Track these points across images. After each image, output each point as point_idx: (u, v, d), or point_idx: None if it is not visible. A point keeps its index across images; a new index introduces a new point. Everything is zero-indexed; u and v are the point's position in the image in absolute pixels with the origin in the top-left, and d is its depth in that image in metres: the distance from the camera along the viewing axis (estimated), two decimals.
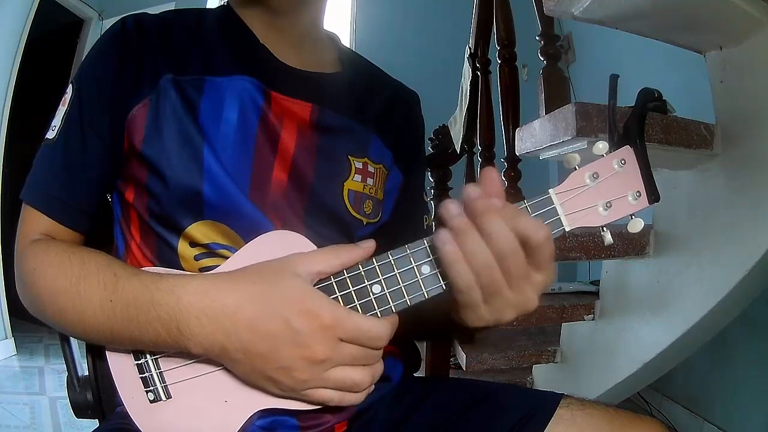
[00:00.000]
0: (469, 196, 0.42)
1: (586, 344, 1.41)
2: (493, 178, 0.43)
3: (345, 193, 0.61)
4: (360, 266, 0.47)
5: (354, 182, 0.62)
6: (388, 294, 0.46)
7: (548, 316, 1.35)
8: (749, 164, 1.00)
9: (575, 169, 0.45)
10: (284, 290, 0.45)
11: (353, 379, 0.46)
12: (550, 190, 0.45)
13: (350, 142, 0.63)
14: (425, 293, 0.46)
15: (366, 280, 0.46)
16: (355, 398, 0.47)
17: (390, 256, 0.46)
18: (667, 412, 1.95)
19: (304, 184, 0.58)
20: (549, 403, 0.57)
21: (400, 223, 0.69)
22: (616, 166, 0.45)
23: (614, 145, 0.46)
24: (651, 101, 0.47)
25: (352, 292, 0.46)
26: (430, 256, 0.46)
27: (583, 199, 0.45)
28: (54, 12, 3.01)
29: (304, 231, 0.57)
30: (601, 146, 0.45)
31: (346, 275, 0.47)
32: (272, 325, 0.44)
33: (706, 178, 1.09)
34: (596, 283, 1.45)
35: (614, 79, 0.48)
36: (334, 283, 0.47)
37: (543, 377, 1.55)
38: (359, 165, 0.62)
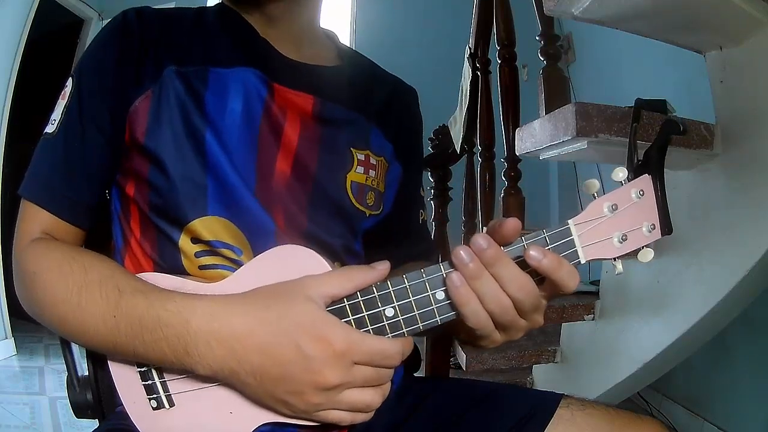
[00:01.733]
0: (480, 247, 0.42)
1: (586, 344, 1.41)
2: (515, 227, 0.43)
3: (348, 184, 0.61)
4: (374, 290, 0.46)
5: (356, 174, 0.62)
6: (401, 319, 0.45)
7: (548, 316, 1.35)
8: (749, 164, 1.00)
9: (594, 196, 0.45)
10: (296, 315, 0.44)
11: (365, 401, 0.45)
12: (569, 221, 0.44)
13: (352, 134, 0.63)
14: (438, 320, 0.45)
15: (380, 305, 0.45)
16: (365, 417, 0.47)
17: (405, 281, 0.45)
18: (667, 412, 1.95)
19: (308, 175, 0.58)
20: (549, 403, 0.57)
21: (399, 217, 0.70)
22: (634, 196, 0.44)
23: (633, 172, 0.45)
24: (674, 133, 0.46)
25: (366, 315, 0.46)
26: (445, 284, 0.45)
27: (601, 230, 0.44)
28: (54, 12, 3.01)
29: (308, 223, 0.57)
30: (621, 174, 0.45)
31: (360, 298, 0.46)
32: (284, 351, 0.43)
33: (706, 178, 1.09)
34: (596, 283, 1.45)
35: (638, 103, 0.48)
36: (347, 306, 0.46)
37: (543, 377, 1.55)
38: (361, 157, 0.63)
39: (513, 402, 0.59)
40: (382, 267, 0.47)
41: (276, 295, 0.45)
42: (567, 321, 1.41)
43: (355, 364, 0.44)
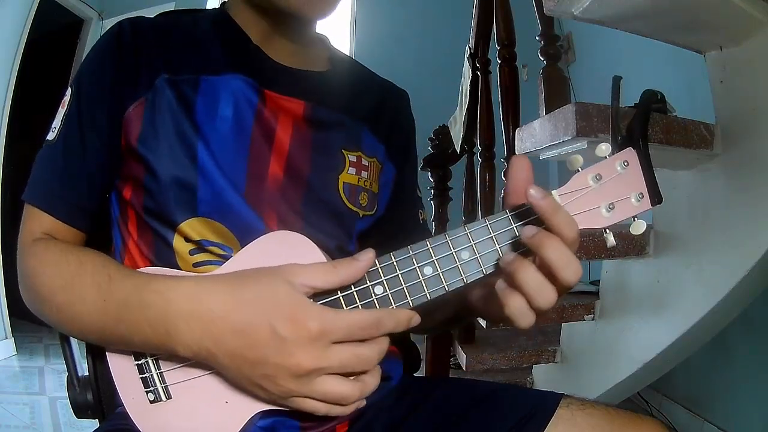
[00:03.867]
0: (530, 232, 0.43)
1: (586, 344, 1.41)
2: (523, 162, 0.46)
3: (340, 186, 0.62)
4: None
5: (349, 175, 0.63)
6: (390, 295, 0.46)
7: (548, 316, 1.35)
8: (749, 164, 1.00)
9: (578, 170, 0.45)
10: (273, 296, 0.44)
11: (341, 393, 0.45)
12: (553, 192, 0.45)
13: (343, 137, 0.64)
14: (428, 294, 0.46)
15: (368, 281, 0.46)
16: (341, 411, 0.46)
17: (393, 258, 0.46)
18: (667, 412, 1.95)
19: (301, 178, 0.59)
20: (549, 403, 0.57)
21: (396, 217, 0.71)
22: (618, 168, 0.45)
23: (617, 147, 0.45)
24: (654, 103, 0.46)
25: (354, 293, 0.46)
26: (432, 257, 0.45)
27: (587, 200, 0.45)
28: (54, 12, 3.01)
29: (302, 225, 0.58)
30: (604, 148, 0.45)
31: None
32: (258, 332, 0.43)
33: (706, 178, 1.09)
34: (596, 283, 1.46)
35: (617, 80, 0.48)
36: None
37: (543, 377, 1.55)
38: (353, 158, 0.64)
39: (513, 402, 0.59)
40: (366, 257, 0.46)
41: (256, 277, 0.46)
42: (567, 321, 1.41)
43: (334, 344, 0.44)
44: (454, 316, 0.64)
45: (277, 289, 0.44)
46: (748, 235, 0.99)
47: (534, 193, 0.42)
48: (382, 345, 0.46)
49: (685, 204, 1.12)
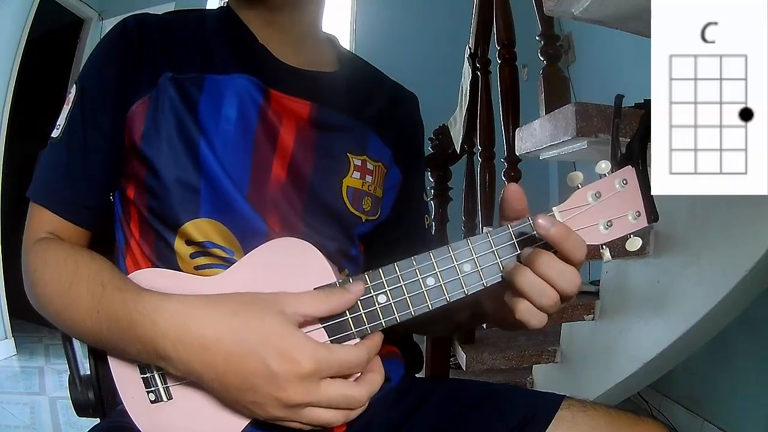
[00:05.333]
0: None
1: (586, 344, 1.41)
2: (516, 191, 0.46)
3: (344, 190, 0.61)
4: (366, 276, 0.47)
5: (352, 179, 0.62)
6: (393, 304, 0.46)
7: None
8: None
9: (578, 187, 0.46)
10: (266, 327, 0.44)
11: (327, 420, 0.45)
12: (553, 208, 0.46)
13: (349, 140, 0.63)
14: (430, 305, 0.46)
15: (372, 291, 0.47)
16: (324, 428, 0.47)
17: (396, 269, 0.46)
18: (667, 412, 1.95)
19: (303, 180, 0.59)
20: (550, 404, 0.57)
21: (401, 222, 0.70)
22: (617, 186, 0.46)
23: (617, 165, 0.46)
24: None
25: (358, 301, 0.47)
26: (435, 269, 0.46)
27: (585, 217, 0.46)
28: (54, 12, 3.01)
29: (303, 227, 0.58)
30: (604, 165, 0.46)
31: None
32: (249, 363, 0.43)
33: None
34: (596, 283, 1.45)
35: (619, 99, 0.49)
36: None
37: (543, 377, 1.55)
38: (358, 162, 0.63)
39: (514, 403, 0.59)
40: (356, 288, 0.46)
41: (248, 304, 0.45)
42: (567, 321, 1.41)
43: (324, 378, 0.44)
44: (467, 323, 0.64)
45: (270, 319, 0.44)
46: (748, 235, 0.99)
47: (543, 223, 0.43)
48: (373, 387, 0.47)
49: (685, 204, 1.12)
